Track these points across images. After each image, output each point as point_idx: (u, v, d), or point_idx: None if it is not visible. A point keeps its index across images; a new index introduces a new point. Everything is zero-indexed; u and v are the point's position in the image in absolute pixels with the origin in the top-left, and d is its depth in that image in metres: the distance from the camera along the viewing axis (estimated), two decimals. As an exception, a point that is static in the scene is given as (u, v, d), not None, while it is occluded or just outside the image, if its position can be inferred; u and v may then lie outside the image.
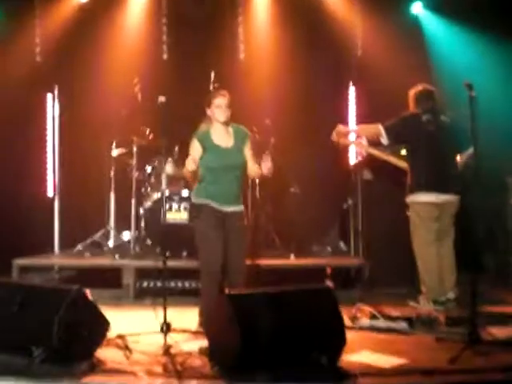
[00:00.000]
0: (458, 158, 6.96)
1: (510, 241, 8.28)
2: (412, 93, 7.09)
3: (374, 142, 7.34)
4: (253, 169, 6.03)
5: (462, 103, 5.59)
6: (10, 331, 4.87)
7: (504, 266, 8.28)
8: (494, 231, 8.37)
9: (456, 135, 6.82)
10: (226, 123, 6.03)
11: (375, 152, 7.54)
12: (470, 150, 6.46)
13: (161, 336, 5.34)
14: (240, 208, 6.03)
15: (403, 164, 7.23)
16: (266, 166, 5.76)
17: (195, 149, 5.95)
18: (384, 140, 6.94)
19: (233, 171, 5.96)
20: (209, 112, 6.06)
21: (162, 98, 5.83)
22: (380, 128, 6.93)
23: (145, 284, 7.52)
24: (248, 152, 6.04)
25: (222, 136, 6.01)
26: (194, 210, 6.01)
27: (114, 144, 8.31)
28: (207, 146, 5.93)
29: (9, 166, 8.82)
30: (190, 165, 5.67)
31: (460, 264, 6.94)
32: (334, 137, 7.28)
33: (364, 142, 7.57)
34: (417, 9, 9.38)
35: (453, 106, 7.11)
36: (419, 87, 7.06)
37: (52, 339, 4.55)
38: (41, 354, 4.54)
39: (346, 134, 7.44)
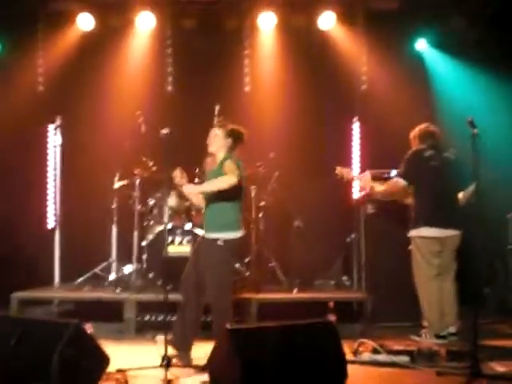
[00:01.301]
0: (461, 194, 6.95)
1: (511, 276, 8.27)
2: (415, 132, 7.14)
3: (379, 177, 7.38)
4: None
5: (465, 140, 5.59)
6: (9, 365, 4.82)
7: (505, 300, 8.29)
8: (495, 266, 8.36)
9: (459, 172, 6.83)
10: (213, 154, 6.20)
11: (378, 187, 7.52)
12: (472, 187, 6.48)
13: (162, 370, 5.30)
14: (211, 235, 6.01)
15: (406, 199, 7.21)
16: None
17: None
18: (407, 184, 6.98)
19: (207, 199, 6.07)
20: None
21: (165, 130, 5.84)
22: (399, 181, 6.99)
23: (146, 318, 7.45)
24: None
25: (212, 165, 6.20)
26: None
27: (117, 176, 8.29)
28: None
29: (9, 196, 8.83)
30: None
31: (461, 298, 6.92)
32: (338, 171, 7.31)
33: (367, 176, 7.56)
34: (421, 45, 9.41)
35: (456, 143, 7.11)
36: (422, 126, 7.12)
37: (51, 374, 4.51)
38: (40, 390, 4.51)
39: (371, 195, 7.47)
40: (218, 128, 6.16)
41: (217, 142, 6.12)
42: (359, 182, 8.31)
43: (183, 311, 6.01)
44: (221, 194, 5.89)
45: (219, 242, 5.90)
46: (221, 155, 6.13)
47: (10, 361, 4.81)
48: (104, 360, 5.02)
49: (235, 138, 6.13)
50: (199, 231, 7.89)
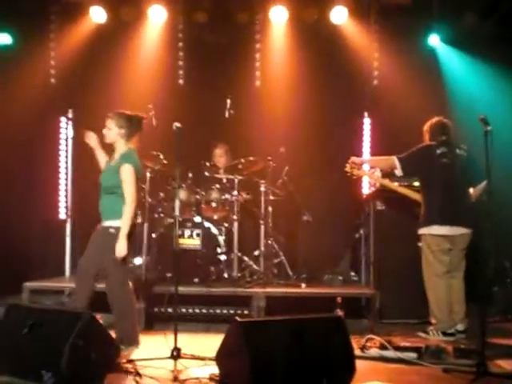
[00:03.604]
0: (471, 190, 6.95)
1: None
2: (427, 125, 7.12)
3: (388, 174, 7.37)
4: None
5: (478, 136, 5.59)
6: (20, 354, 4.87)
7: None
8: (504, 264, 8.34)
9: (471, 168, 6.83)
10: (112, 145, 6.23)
11: (388, 183, 7.54)
12: (484, 184, 6.49)
13: (171, 362, 5.34)
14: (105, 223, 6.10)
15: (416, 196, 7.22)
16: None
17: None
18: (398, 172, 6.95)
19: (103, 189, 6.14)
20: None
21: (176, 124, 5.86)
22: (395, 160, 6.95)
23: (156, 310, 7.49)
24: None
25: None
26: None
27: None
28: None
29: (21, 187, 8.87)
30: None
31: (469, 296, 6.93)
32: (348, 167, 7.32)
33: (377, 173, 7.58)
34: (433, 41, 9.37)
35: (468, 139, 7.11)
36: (434, 120, 7.09)
37: (62, 364, 4.53)
38: (50, 379, 4.53)
39: (360, 165, 7.43)
40: (110, 119, 6.15)
41: (111, 133, 6.16)
42: (369, 178, 8.36)
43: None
44: (116, 186, 6.02)
45: (111, 230, 5.99)
46: (120, 146, 6.18)
47: (22, 349, 4.86)
48: (115, 350, 5.06)
49: (130, 126, 6.17)
50: (207, 224, 7.95)
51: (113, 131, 6.14)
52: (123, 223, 5.92)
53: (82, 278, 6.08)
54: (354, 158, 7.31)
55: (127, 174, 5.99)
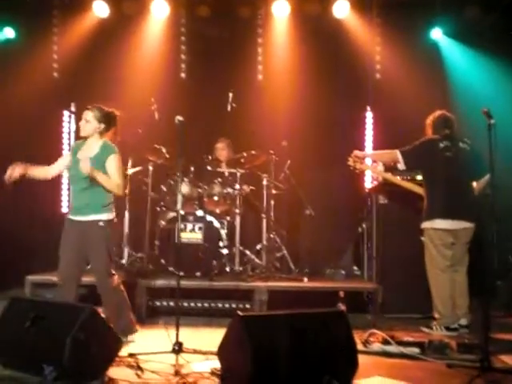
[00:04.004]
0: (475, 184, 6.93)
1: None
2: (430, 119, 7.10)
3: (391, 167, 7.35)
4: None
5: (480, 129, 5.58)
6: (22, 347, 4.87)
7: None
8: (508, 258, 8.33)
9: (474, 162, 6.81)
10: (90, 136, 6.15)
11: (391, 177, 7.53)
12: (487, 177, 6.47)
13: (172, 356, 5.34)
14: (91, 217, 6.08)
15: (418, 189, 7.20)
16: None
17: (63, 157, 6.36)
18: (401, 165, 6.94)
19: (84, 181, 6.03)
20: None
21: (179, 118, 5.84)
22: (397, 153, 6.93)
23: (157, 303, 7.49)
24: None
25: (90, 148, 6.13)
26: None
27: (130, 162, 8.31)
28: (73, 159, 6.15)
29: (23, 181, 8.87)
30: None
31: (473, 291, 6.92)
32: (350, 161, 7.31)
33: (380, 167, 7.57)
34: (436, 34, 9.35)
35: (471, 133, 7.09)
36: (437, 113, 7.08)
37: (64, 357, 4.53)
38: (52, 373, 4.53)
39: (363, 159, 7.42)
40: (90, 112, 6.10)
41: (89, 127, 6.10)
42: (371, 172, 8.35)
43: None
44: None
45: (101, 224, 6.01)
46: (94, 140, 6.13)
47: (24, 343, 4.85)
48: (117, 344, 5.05)
49: (108, 122, 6.17)
50: (209, 218, 7.94)
51: (91, 125, 6.09)
52: (104, 180, 5.94)
53: (67, 284, 6.08)
54: (356, 152, 7.29)
55: (116, 162, 6.04)
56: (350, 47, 9.28)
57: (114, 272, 6.16)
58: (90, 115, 6.08)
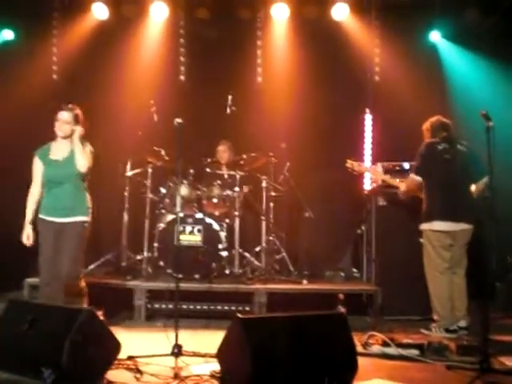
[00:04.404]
0: (473, 187, 6.94)
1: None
2: (427, 124, 7.14)
3: (390, 169, 7.39)
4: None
5: (479, 132, 5.59)
6: (20, 350, 4.85)
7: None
8: (507, 260, 8.34)
9: (472, 164, 6.83)
10: (65, 138, 6.20)
11: (389, 179, 7.54)
12: (485, 179, 6.48)
13: (172, 358, 5.33)
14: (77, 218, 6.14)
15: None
16: None
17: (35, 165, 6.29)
18: (420, 179, 6.97)
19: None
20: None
21: (178, 120, 5.85)
22: (413, 177, 7.02)
23: (156, 306, 7.49)
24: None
25: (59, 150, 6.20)
26: None
27: (129, 164, 8.31)
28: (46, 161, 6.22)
29: (23, 184, 8.86)
30: None
31: (472, 292, 6.92)
32: (349, 163, 7.34)
33: (379, 169, 7.58)
34: (434, 37, 9.38)
35: (469, 135, 7.10)
36: (434, 118, 7.14)
37: (62, 360, 4.52)
38: (50, 375, 4.52)
39: (402, 194, 7.38)
40: (70, 114, 6.19)
41: (69, 128, 6.17)
42: (370, 174, 8.36)
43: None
44: (84, 178, 6.19)
45: (86, 225, 6.13)
46: (67, 142, 6.19)
47: (22, 345, 4.84)
48: (115, 347, 5.03)
49: (83, 124, 6.26)
50: (209, 220, 7.93)
51: (70, 126, 6.17)
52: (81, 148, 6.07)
53: (54, 284, 6.06)
54: (400, 192, 7.32)
55: (89, 151, 6.19)
56: (349, 50, 9.28)
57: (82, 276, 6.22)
58: (69, 116, 6.19)
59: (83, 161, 6.09)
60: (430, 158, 6.92)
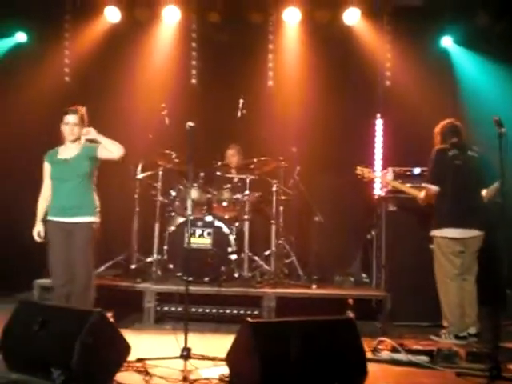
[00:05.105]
0: (484, 192, 6.93)
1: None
2: (438, 127, 7.12)
3: (400, 175, 7.38)
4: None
5: (491, 137, 5.57)
6: (30, 351, 4.87)
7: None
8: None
9: (483, 170, 6.81)
10: (74, 141, 6.29)
11: (400, 185, 7.54)
12: (496, 185, 6.47)
13: (181, 361, 5.34)
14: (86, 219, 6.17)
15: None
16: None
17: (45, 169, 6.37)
18: (436, 188, 6.94)
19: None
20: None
21: (190, 123, 5.86)
22: (429, 187, 6.98)
23: (165, 308, 7.49)
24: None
25: (67, 151, 6.29)
26: None
27: (140, 167, 8.32)
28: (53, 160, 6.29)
29: (34, 185, 8.89)
30: None
31: (482, 299, 6.90)
32: (359, 170, 7.37)
33: (389, 175, 7.57)
34: (446, 42, 9.37)
35: (481, 141, 7.08)
36: (445, 122, 7.10)
37: (72, 361, 4.53)
38: (60, 376, 4.53)
39: (421, 200, 7.35)
40: (78, 116, 6.28)
41: (78, 130, 6.25)
42: (380, 179, 8.35)
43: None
44: (91, 178, 6.23)
45: (95, 226, 6.17)
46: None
47: (32, 346, 4.86)
48: (125, 349, 5.04)
49: (85, 122, 6.34)
50: (218, 223, 7.93)
51: (78, 128, 6.26)
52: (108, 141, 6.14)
53: (68, 286, 6.12)
54: (419, 201, 7.28)
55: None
56: (361, 54, 9.27)
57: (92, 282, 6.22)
58: (77, 118, 6.27)
59: (116, 147, 6.14)
60: (441, 164, 6.90)
